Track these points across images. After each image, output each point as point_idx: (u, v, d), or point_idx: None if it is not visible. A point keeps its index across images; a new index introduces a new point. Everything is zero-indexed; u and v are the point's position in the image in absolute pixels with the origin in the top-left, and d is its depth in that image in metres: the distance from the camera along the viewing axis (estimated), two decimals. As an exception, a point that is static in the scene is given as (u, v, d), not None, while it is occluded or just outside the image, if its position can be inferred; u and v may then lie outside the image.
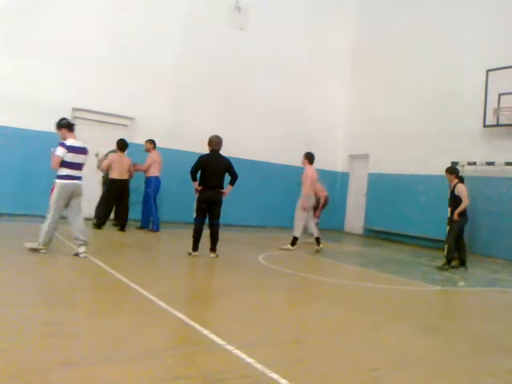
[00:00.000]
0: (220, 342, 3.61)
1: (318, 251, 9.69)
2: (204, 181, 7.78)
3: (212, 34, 13.25)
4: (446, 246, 9.34)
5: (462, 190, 8.94)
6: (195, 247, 7.76)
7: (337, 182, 15.90)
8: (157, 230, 10.79)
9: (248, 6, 12.99)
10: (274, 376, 3.05)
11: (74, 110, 11.70)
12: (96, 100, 11.75)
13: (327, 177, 15.39)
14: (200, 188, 7.81)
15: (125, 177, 10.62)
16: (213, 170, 7.77)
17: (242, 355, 3.36)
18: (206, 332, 3.81)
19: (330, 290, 6.23)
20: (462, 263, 9.00)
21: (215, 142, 7.97)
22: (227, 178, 8.03)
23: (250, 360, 3.28)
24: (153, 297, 4.77)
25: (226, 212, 10.65)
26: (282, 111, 14.44)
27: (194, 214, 8.18)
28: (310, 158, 10.06)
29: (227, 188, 7.99)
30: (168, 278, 6.07)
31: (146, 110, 12.47)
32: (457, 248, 9.02)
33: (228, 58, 13.58)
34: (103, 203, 10.59)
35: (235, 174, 7.95)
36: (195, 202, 8.19)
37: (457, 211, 8.83)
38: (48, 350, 3.24)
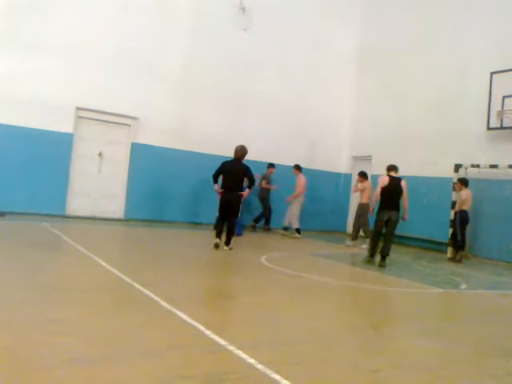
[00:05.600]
0: (222, 342, 3.61)
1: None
2: (223, 184, 8.85)
3: (217, 34, 13.26)
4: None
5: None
6: (217, 236, 8.78)
7: (340, 183, 15.90)
8: (239, 233, 10.84)
9: (252, 7, 12.99)
10: (276, 377, 3.05)
11: (78, 109, 11.74)
12: (100, 99, 11.77)
13: (330, 178, 15.44)
14: (221, 190, 8.83)
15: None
16: (229, 174, 8.77)
17: (244, 356, 3.36)
18: (208, 332, 3.82)
19: (331, 292, 6.23)
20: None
21: (235, 151, 8.99)
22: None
23: (251, 361, 3.28)
24: (155, 296, 4.78)
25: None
26: (286, 112, 14.44)
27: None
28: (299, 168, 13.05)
29: (245, 191, 8.92)
30: (171, 278, 6.08)
31: (150, 109, 12.49)
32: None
33: (233, 59, 13.59)
34: None
35: (252, 179, 8.86)
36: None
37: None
38: (51, 348, 3.25)
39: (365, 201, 11.55)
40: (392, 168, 8.99)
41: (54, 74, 11.24)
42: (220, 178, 8.99)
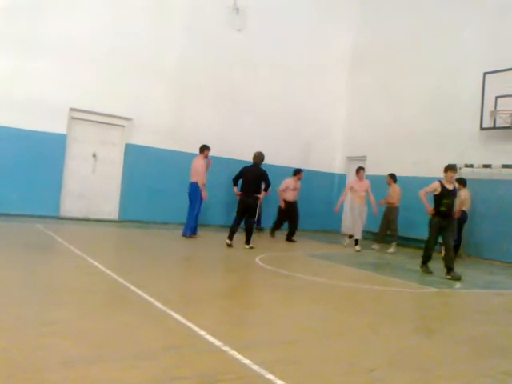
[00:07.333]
0: (217, 343, 3.60)
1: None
2: (241, 187, 9.52)
3: (211, 34, 13.25)
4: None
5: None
6: (229, 238, 9.33)
7: (334, 183, 15.92)
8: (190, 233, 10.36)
9: (248, 7, 12.98)
10: (271, 377, 3.05)
11: (72, 110, 11.69)
12: (93, 100, 11.73)
13: (325, 178, 15.46)
14: (240, 193, 9.50)
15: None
16: (248, 178, 9.44)
17: (239, 356, 3.35)
18: (202, 333, 3.81)
19: (327, 292, 6.23)
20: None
21: (253, 157, 9.68)
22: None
23: (246, 361, 3.27)
24: (150, 297, 4.76)
25: (224, 214, 10.56)
26: (281, 112, 14.46)
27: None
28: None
29: (262, 193, 9.51)
30: (166, 279, 6.06)
31: (144, 110, 12.46)
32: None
33: (227, 59, 13.58)
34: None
35: (268, 182, 9.47)
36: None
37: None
38: (46, 349, 3.23)
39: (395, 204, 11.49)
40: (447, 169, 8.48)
41: (47, 74, 11.17)
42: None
